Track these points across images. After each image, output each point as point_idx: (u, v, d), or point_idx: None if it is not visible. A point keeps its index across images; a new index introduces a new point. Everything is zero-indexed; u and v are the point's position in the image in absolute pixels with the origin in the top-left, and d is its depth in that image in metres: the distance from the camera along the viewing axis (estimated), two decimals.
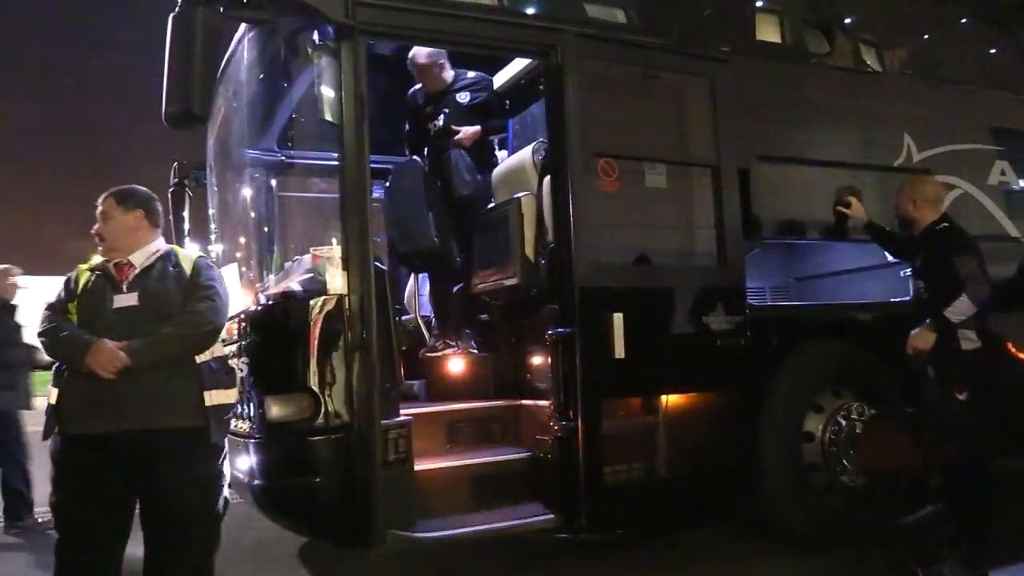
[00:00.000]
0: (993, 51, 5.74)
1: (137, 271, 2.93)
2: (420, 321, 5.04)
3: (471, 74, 4.85)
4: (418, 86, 4.90)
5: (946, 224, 3.80)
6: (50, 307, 2.90)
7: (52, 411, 2.80)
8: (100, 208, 3.02)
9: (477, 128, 4.68)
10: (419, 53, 4.69)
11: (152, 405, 2.75)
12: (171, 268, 2.97)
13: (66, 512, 2.78)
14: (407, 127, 5.06)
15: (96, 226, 3.02)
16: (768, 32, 4.60)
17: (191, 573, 2.85)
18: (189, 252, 3.15)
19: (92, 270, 2.96)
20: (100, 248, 3.03)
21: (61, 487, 2.79)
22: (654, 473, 3.82)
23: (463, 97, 4.77)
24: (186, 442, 2.80)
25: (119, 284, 2.90)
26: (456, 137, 4.63)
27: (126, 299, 2.85)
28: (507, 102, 5.06)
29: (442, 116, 4.74)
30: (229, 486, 3.04)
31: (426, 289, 5.19)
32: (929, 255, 3.76)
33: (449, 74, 4.79)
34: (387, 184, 4.80)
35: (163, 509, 2.80)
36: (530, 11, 4.05)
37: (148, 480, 2.77)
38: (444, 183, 4.65)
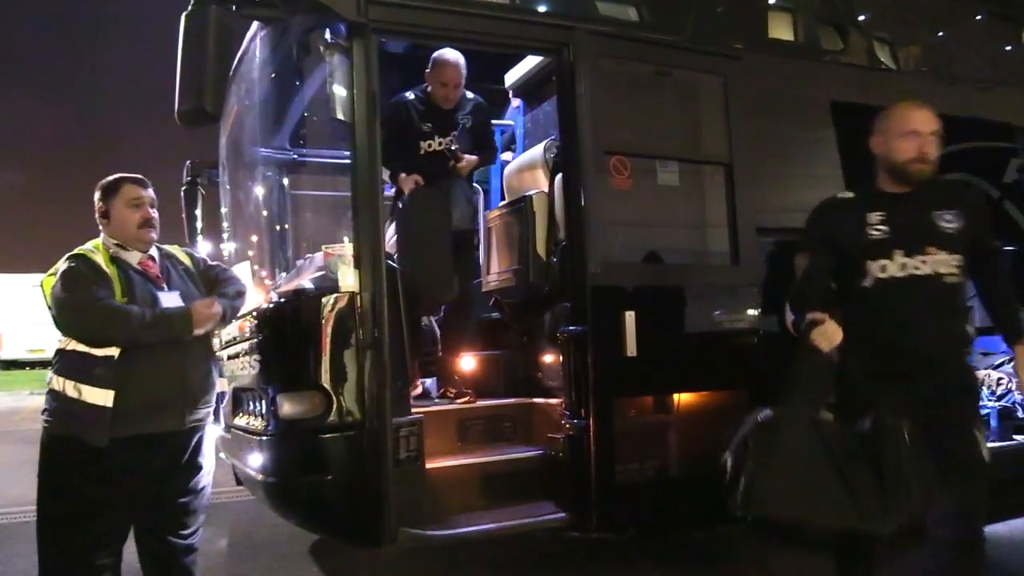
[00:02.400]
0: (1009, 48, 5.69)
1: (157, 267, 2.94)
2: (431, 319, 5.04)
3: (469, 95, 4.48)
4: (409, 95, 4.38)
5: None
6: (95, 299, 2.66)
7: (106, 414, 2.63)
8: (151, 194, 2.94)
9: (476, 158, 4.40)
10: (458, 61, 4.22)
11: (200, 399, 2.90)
12: (179, 265, 3.04)
13: (100, 516, 2.71)
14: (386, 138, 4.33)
15: (155, 214, 2.93)
16: (781, 30, 4.57)
17: (194, 558, 2.97)
18: (170, 248, 3.13)
19: (113, 262, 2.81)
20: (150, 236, 2.91)
21: (92, 490, 2.69)
22: (666, 472, 3.81)
23: (467, 122, 4.41)
24: (203, 431, 2.97)
25: (156, 280, 2.89)
26: (459, 164, 4.31)
27: (171, 298, 2.87)
28: (497, 131, 4.81)
29: (450, 139, 4.33)
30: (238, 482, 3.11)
31: None
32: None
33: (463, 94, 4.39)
34: (399, 206, 4.23)
35: (185, 500, 2.89)
36: (542, 9, 4.04)
37: (179, 472, 2.86)
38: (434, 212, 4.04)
